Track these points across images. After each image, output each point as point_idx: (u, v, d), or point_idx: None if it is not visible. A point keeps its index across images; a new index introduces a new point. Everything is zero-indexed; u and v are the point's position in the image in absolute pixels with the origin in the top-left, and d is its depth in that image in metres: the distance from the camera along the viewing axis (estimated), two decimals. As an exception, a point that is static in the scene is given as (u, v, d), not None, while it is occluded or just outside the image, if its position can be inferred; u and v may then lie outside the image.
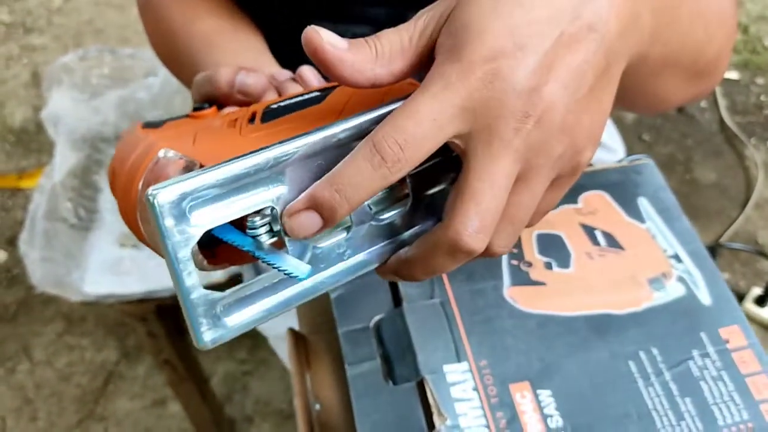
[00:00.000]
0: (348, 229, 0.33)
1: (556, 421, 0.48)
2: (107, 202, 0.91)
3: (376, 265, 0.34)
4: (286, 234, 0.30)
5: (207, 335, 0.29)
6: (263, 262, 0.30)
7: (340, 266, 0.33)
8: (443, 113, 0.30)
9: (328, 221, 0.30)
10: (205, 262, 0.31)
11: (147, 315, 0.91)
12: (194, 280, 0.28)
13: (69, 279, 0.86)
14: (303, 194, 0.30)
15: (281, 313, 0.31)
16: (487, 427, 0.48)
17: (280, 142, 0.29)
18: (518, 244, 0.58)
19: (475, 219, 0.30)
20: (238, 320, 0.30)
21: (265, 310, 0.31)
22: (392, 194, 0.35)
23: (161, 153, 0.32)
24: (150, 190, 0.27)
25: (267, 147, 0.29)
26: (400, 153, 0.29)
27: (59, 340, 1.34)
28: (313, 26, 0.31)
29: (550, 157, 0.31)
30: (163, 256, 0.31)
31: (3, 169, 1.60)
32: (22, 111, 1.67)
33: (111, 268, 0.86)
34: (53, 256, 0.88)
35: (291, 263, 0.30)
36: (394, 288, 0.55)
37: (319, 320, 0.61)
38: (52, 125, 0.97)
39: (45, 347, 1.33)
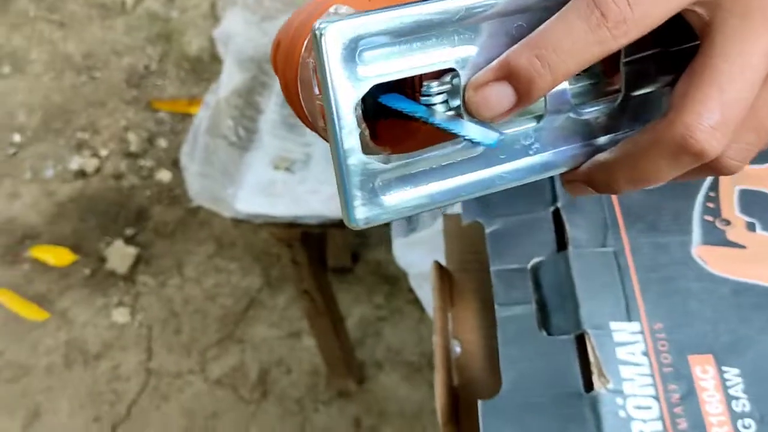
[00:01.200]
0: (539, 118, 0.27)
1: (743, 405, 0.40)
2: (267, 123, 0.91)
3: (565, 169, 0.28)
4: (467, 112, 0.25)
5: (360, 211, 0.25)
6: (440, 128, 0.25)
7: (525, 161, 0.27)
8: None
9: (524, 97, 0.24)
10: (367, 132, 0.27)
11: (292, 241, 0.90)
12: (354, 142, 0.24)
13: (223, 194, 0.87)
14: (495, 61, 0.24)
15: (448, 203, 0.26)
16: (657, 398, 0.41)
17: None
18: (716, 198, 0.49)
19: (716, 110, 0.24)
20: (397, 200, 0.25)
21: (430, 195, 0.26)
22: (599, 85, 0.29)
23: (332, 8, 0.28)
24: (317, 24, 0.23)
25: None
26: (628, 11, 0.23)
27: (209, 262, 1.39)
28: None
29: None
30: (316, 123, 0.27)
31: (176, 94, 1.67)
32: (199, 41, 1.74)
33: (263, 190, 0.86)
34: (211, 171, 0.89)
35: (475, 129, 0.25)
36: (559, 229, 0.49)
37: (468, 257, 0.56)
38: (222, 44, 0.97)
39: (196, 266, 1.39)
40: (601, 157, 0.27)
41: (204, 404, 1.21)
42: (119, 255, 1.40)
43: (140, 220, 1.47)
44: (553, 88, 0.24)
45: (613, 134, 0.28)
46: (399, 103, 0.25)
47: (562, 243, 0.48)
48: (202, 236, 1.42)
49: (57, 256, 1.41)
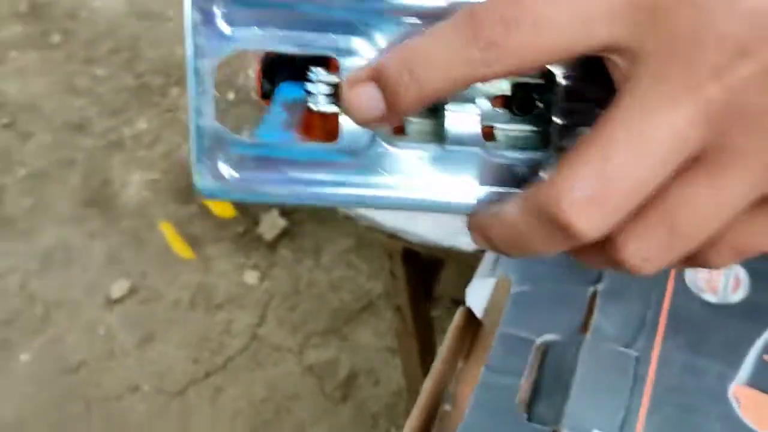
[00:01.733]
0: (442, 143, 0.24)
1: None
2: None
3: (461, 210, 0.24)
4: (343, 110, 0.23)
5: (203, 180, 0.23)
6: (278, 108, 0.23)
7: (410, 183, 0.24)
8: (597, 2, 0.19)
9: (391, 107, 0.21)
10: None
11: (393, 253, 0.89)
12: (207, 105, 0.23)
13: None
14: (374, 60, 0.22)
15: (310, 204, 0.24)
16: None
17: None
18: (786, 338, 0.41)
19: (593, 181, 0.19)
20: (249, 182, 0.23)
21: (289, 187, 0.23)
22: (533, 135, 0.25)
23: None
24: None
25: None
26: (501, 35, 0.19)
27: (344, 255, 1.42)
28: None
29: (766, 142, 0.18)
30: None
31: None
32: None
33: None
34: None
35: (272, 127, 0.22)
36: (590, 310, 0.43)
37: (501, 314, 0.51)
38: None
39: (331, 255, 1.43)
40: (490, 208, 0.23)
41: (289, 384, 1.24)
42: (271, 223, 1.49)
43: (301, 198, 1.54)
44: (423, 103, 0.21)
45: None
46: (285, 83, 0.24)
47: (586, 328, 0.43)
48: (347, 229, 1.46)
49: (221, 207, 1.53)
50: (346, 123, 0.23)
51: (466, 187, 0.24)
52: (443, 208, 0.24)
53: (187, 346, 1.32)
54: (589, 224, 0.19)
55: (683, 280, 0.44)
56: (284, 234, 1.47)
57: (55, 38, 2.04)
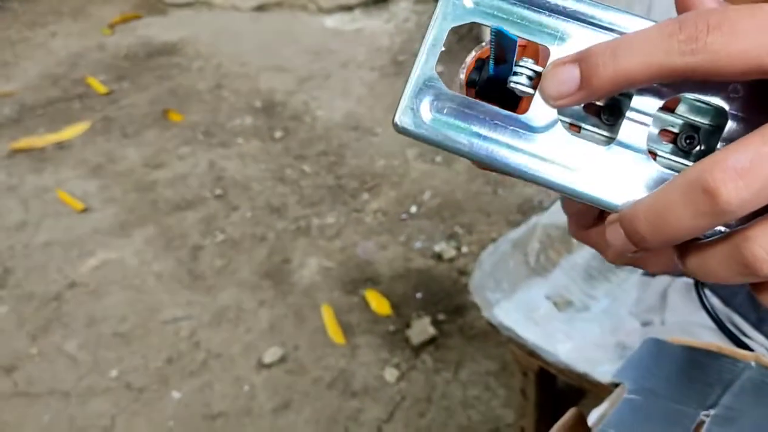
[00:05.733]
0: (609, 142, 0.27)
1: None
2: (568, 262, 0.93)
3: (611, 205, 0.26)
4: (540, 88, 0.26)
5: (402, 114, 0.28)
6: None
7: (568, 173, 0.27)
8: None
9: (584, 82, 0.25)
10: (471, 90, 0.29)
11: (528, 371, 0.90)
12: (433, 57, 0.28)
13: (490, 296, 0.92)
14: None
15: (481, 159, 0.27)
16: None
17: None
18: None
19: (748, 156, 0.22)
20: (440, 125, 0.27)
21: (470, 139, 0.27)
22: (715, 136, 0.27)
23: None
24: None
25: None
26: (703, 32, 0.22)
27: (484, 376, 1.42)
28: None
29: None
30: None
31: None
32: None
33: (525, 309, 0.89)
34: (495, 273, 0.95)
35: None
36: None
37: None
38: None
39: (471, 373, 1.44)
40: (636, 197, 0.25)
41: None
42: (421, 329, 1.54)
43: (455, 313, 1.58)
44: (616, 83, 0.24)
45: None
46: (498, 68, 0.28)
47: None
48: (494, 352, 1.47)
49: (379, 304, 1.61)
50: (536, 103, 0.27)
51: (621, 187, 0.27)
52: (594, 201, 0.27)
53: (316, 422, 1.38)
54: (736, 194, 0.21)
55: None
56: (431, 342, 1.51)
57: (278, 134, 2.31)
